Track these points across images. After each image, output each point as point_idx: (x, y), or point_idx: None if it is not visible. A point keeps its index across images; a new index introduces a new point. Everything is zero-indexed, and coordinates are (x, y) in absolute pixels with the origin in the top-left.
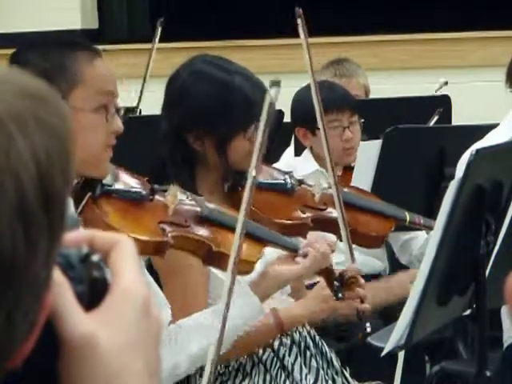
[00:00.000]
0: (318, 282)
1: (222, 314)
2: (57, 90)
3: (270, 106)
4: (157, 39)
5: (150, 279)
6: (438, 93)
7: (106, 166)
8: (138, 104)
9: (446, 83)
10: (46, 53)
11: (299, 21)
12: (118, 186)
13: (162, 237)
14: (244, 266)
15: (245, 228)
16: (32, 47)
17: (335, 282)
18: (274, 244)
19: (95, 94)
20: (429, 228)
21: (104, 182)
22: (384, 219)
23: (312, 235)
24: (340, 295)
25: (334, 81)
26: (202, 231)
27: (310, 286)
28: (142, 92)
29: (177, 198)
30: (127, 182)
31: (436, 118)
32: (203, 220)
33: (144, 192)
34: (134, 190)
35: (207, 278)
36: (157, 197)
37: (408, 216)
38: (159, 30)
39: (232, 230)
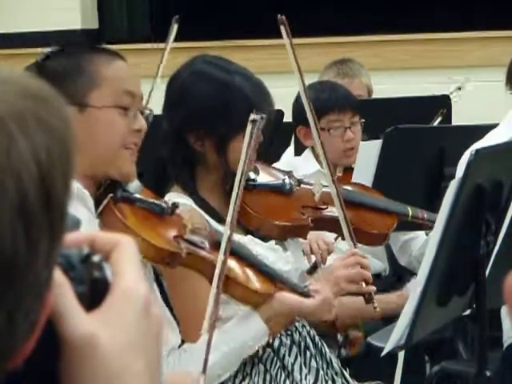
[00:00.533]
0: None
1: (230, 337)
2: (76, 89)
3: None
4: (171, 38)
5: (159, 298)
6: (447, 92)
7: (126, 166)
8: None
9: (460, 88)
10: (64, 56)
11: (282, 28)
12: (139, 196)
13: (175, 248)
14: (254, 297)
15: (247, 256)
16: (53, 55)
17: (339, 339)
18: (284, 285)
19: (114, 94)
20: (432, 222)
21: (127, 188)
22: (386, 215)
23: (312, 235)
24: (343, 352)
25: (337, 80)
26: (216, 255)
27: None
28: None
29: (196, 218)
30: (147, 195)
31: (439, 120)
32: (219, 246)
33: (165, 206)
34: (155, 201)
35: None
36: (176, 213)
37: (410, 211)
38: (175, 27)
39: (246, 262)
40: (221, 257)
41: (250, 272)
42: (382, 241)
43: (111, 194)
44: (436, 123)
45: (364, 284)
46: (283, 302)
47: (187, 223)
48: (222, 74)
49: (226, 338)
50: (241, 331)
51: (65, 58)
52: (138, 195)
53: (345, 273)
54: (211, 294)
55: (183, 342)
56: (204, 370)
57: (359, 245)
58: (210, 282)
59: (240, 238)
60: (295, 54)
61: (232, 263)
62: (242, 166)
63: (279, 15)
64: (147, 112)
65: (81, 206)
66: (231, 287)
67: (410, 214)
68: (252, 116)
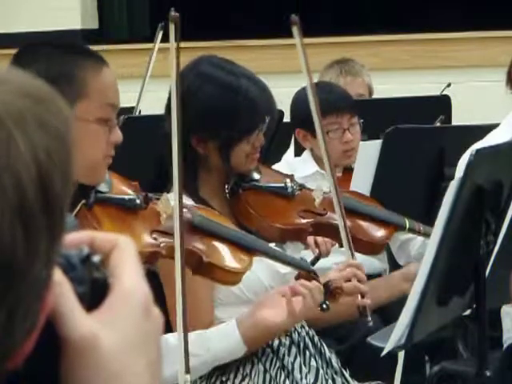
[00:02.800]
0: None
1: (208, 342)
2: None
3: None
4: (157, 44)
5: None
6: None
7: (102, 174)
8: (138, 104)
9: (449, 85)
10: (50, 58)
11: (294, 28)
12: (111, 193)
13: (154, 247)
14: (229, 277)
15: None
16: (35, 50)
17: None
18: (265, 254)
19: (100, 107)
20: (428, 236)
21: (98, 188)
22: (384, 226)
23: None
24: (324, 306)
25: (339, 79)
26: (193, 241)
27: None
28: (141, 92)
29: (169, 205)
30: (121, 188)
31: (438, 125)
32: (194, 228)
33: (138, 200)
34: (127, 197)
35: (211, 286)
36: (150, 205)
37: (407, 223)
38: (160, 34)
39: (223, 239)
40: (177, 242)
41: (224, 247)
42: (379, 251)
43: (83, 201)
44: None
45: (360, 297)
46: (267, 325)
47: (162, 212)
48: (228, 77)
49: (203, 347)
50: (219, 345)
51: (51, 58)
52: (109, 194)
53: (336, 275)
54: (177, 287)
55: None
56: (187, 370)
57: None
58: (193, 270)
59: None
60: (306, 56)
61: (204, 244)
62: None
63: (293, 15)
64: (120, 121)
65: None
66: (209, 271)
67: (407, 226)
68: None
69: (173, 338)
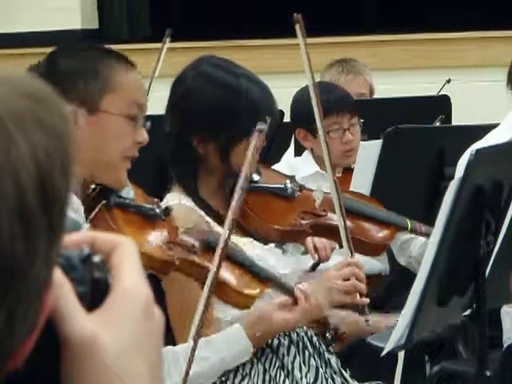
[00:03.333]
0: None
1: (215, 347)
2: (88, 91)
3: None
4: (164, 50)
5: None
6: (442, 92)
7: (122, 176)
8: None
9: (449, 81)
10: (79, 55)
11: (297, 27)
12: (132, 201)
13: (169, 257)
14: (243, 300)
15: (249, 264)
16: (64, 53)
17: (327, 336)
18: (275, 286)
19: (127, 103)
20: (429, 236)
21: (121, 194)
22: (385, 227)
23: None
24: (330, 348)
25: (341, 77)
26: (208, 259)
27: None
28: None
29: (188, 220)
30: (143, 199)
31: (438, 124)
32: (210, 248)
33: (158, 210)
34: (148, 206)
35: None
36: (169, 217)
37: (409, 224)
38: (167, 40)
39: (237, 263)
40: (214, 266)
41: (238, 273)
42: (380, 252)
43: (104, 201)
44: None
45: (358, 296)
46: (272, 322)
47: (179, 226)
48: (229, 78)
49: (209, 350)
50: (225, 347)
51: (78, 57)
52: (130, 201)
53: (339, 284)
54: (201, 300)
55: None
56: (185, 380)
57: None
58: (201, 285)
59: (238, 240)
60: (308, 54)
61: (222, 266)
62: (242, 178)
63: (295, 14)
64: (148, 125)
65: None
66: (222, 292)
67: (409, 227)
68: (259, 126)
69: (179, 348)
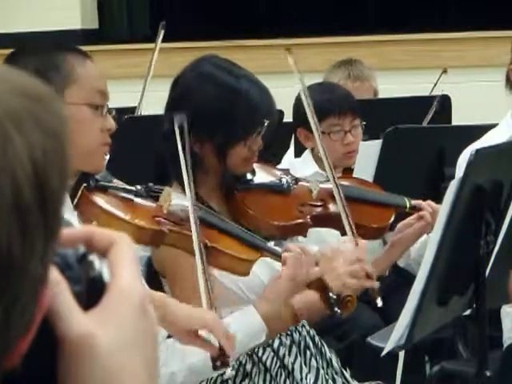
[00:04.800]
0: None
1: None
2: (50, 86)
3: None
4: (159, 41)
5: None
6: (437, 93)
7: (101, 161)
8: (140, 104)
9: (446, 71)
10: (37, 54)
11: (290, 59)
12: (111, 183)
13: (158, 226)
14: (238, 264)
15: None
16: (23, 50)
17: (331, 296)
18: (267, 252)
19: (89, 92)
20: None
21: (99, 178)
22: (384, 209)
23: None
24: (336, 310)
25: (347, 83)
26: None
27: None
28: (143, 92)
29: (170, 198)
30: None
31: (435, 108)
32: (201, 221)
33: (139, 190)
34: (128, 187)
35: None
36: (151, 197)
37: (408, 202)
38: (162, 32)
39: (225, 232)
40: (194, 228)
41: (231, 242)
42: (381, 234)
43: (84, 184)
44: (431, 115)
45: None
46: (271, 298)
47: (163, 204)
48: (229, 78)
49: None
50: (238, 326)
51: (39, 54)
52: (109, 182)
53: (346, 268)
54: (198, 269)
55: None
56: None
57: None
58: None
59: None
60: (304, 85)
61: (214, 235)
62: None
63: (287, 49)
64: (113, 113)
65: None
66: (217, 258)
67: (408, 205)
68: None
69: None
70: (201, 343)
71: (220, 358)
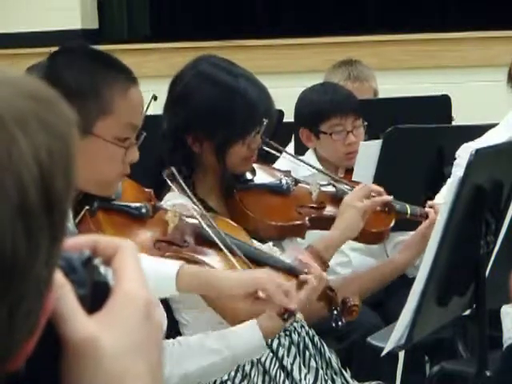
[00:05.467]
0: None
1: (229, 340)
2: (85, 113)
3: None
4: (148, 109)
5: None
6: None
7: (114, 189)
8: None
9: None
10: (81, 69)
11: None
12: (118, 201)
13: (157, 256)
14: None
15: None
16: (71, 57)
17: (333, 311)
18: (273, 267)
19: (122, 127)
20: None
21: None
22: (384, 214)
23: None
24: (340, 323)
25: (347, 83)
26: (199, 252)
27: None
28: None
29: (177, 217)
30: (131, 196)
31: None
32: (203, 240)
33: (144, 209)
34: (133, 205)
35: None
36: (158, 214)
37: (409, 209)
38: (151, 102)
39: (232, 253)
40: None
41: (234, 261)
42: (381, 239)
43: (87, 207)
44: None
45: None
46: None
47: (170, 222)
48: (227, 78)
49: (222, 343)
50: (238, 342)
51: (81, 72)
52: (114, 202)
53: (353, 195)
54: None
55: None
56: None
57: (357, 244)
58: None
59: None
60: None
61: (215, 259)
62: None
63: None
64: (142, 137)
65: None
66: None
67: (409, 212)
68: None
69: (193, 338)
70: (262, 305)
71: (285, 313)
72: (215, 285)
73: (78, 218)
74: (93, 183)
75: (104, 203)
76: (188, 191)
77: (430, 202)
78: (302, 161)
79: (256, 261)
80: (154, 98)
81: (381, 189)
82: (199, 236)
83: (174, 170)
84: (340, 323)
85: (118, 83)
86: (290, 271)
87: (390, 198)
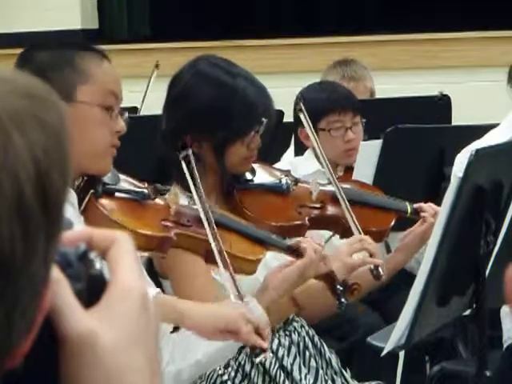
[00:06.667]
0: None
1: None
2: (64, 82)
3: None
4: (152, 79)
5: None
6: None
7: (107, 163)
8: (142, 104)
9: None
10: (54, 50)
11: (302, 115)
12: (119, 185)
13: (165, 232)
14: (246, 265)
15: (244, 230)
16: (39, 47)
17: (338, 287)
18: (273, 246)
19: (103, 93)
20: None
21: (106, 181)
22: (384, 212)
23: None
24: (343, 300)
25: (342, 83)
26: (203, 234)
27: None
28: (146, 92)
29: (178, 197)
30: (129, 182)
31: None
32: (202, 222)
33: (146, 191)
34: (136, 188)
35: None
36: (159, 197)
37: (409, 207)
38: (155, 72)
39: (233, 231)
40: (209, 231)
41: (238, 240)
42: (381, 238)
43: (92, 191)
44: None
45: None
46: (276, 285)
47: (171, 204)
48: (226, 77)
49: None
50: None
51: (53, 50)
52: (116, 186)
53: (346, 248)
54: (220, 266)
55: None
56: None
57: None
58: (205, 259)
59: None
60: (317, 140)
61: (222, 235)
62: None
63: (298, 103)
64: (126, 116)
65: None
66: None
67: (409, 210)
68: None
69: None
70: (233, 338)
71: (256, 349)
72: (186, 318)
73: (84, 204)
74: (87, 156)
75: (107, 188)
76: (195, 182)
77: (417, 205)
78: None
79: (254, 239)
80: (156, 65)
81: (376, 246)
82: (199, 218)
83: (190, 152)
84: (344, 301)
85: (92, 55)
86: (289, 249)
87: (381, 262)
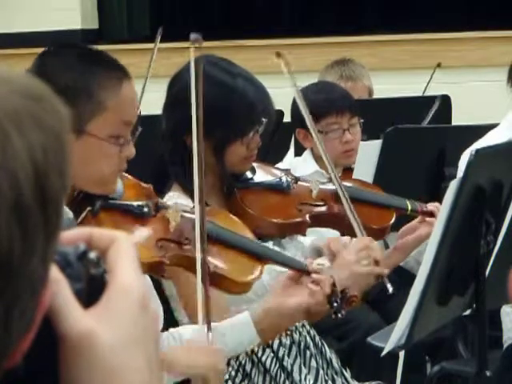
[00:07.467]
0: None
1: (219, 333)
2: (78, 113)
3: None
4: (157, 47)
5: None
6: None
7: (113, 187)
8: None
9: (439, 65)
10: (72, 68)
11: (282, 62)
12: (120, 200)
13: (158, 257)
14: (238, 288)
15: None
16: (57, 56)
17: (336, 302)
18: (277, 262)
19: (116, 125)
20: (432, 215)
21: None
22: (384, 210)
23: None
24: (339, 315)
25: (340, 83)
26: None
27: None
28: (142, 92)
29: (179, 214)
30: (132, 194)
31: (436, 108)
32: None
33: (146, 208)
34: (135, 204)
35: None
36: (160, 212)
37: (409, 205)
38: (159, 38)
39: (234, 248)
40: (198, 255)
41: (232, 256)
42: (381, 236)
43: (89, 208)
44: (433, 111)
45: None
46: (281, 312)
47: (171, 220)
48: (225, 77)
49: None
50: (232, 336)
51: (72, 71)
52: (116, 201)
53: (352, 256)
54: (198, 289)
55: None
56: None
57: None
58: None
59: None
60: (317, 134)
61: (215, 253)
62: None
63: (277, 52)
64: (138, 133)
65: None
66: (215, 282)
67: (409, 208)
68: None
69: (184, 330)
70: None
71: None
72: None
73: (80, 219)
74: (91, 182)
75: (105, 203)
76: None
77: (427, 204)
78: None
79: (258, 256)
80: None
81: (381, 253)
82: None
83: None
84: (340, 315)
85: (110, 81)
86: (290, 265)
87: (387, 271)
